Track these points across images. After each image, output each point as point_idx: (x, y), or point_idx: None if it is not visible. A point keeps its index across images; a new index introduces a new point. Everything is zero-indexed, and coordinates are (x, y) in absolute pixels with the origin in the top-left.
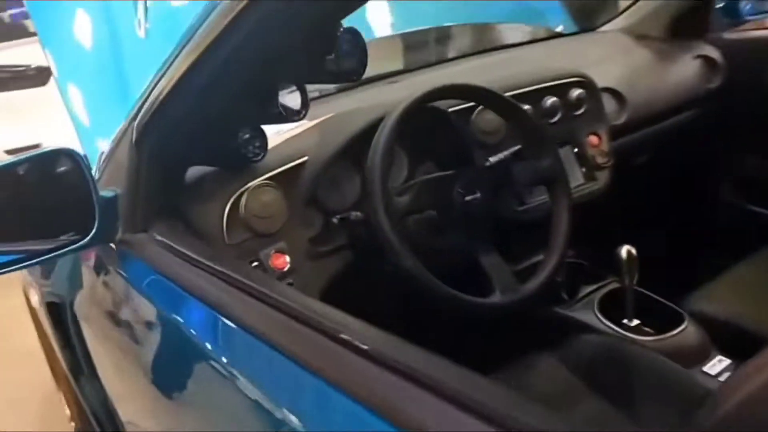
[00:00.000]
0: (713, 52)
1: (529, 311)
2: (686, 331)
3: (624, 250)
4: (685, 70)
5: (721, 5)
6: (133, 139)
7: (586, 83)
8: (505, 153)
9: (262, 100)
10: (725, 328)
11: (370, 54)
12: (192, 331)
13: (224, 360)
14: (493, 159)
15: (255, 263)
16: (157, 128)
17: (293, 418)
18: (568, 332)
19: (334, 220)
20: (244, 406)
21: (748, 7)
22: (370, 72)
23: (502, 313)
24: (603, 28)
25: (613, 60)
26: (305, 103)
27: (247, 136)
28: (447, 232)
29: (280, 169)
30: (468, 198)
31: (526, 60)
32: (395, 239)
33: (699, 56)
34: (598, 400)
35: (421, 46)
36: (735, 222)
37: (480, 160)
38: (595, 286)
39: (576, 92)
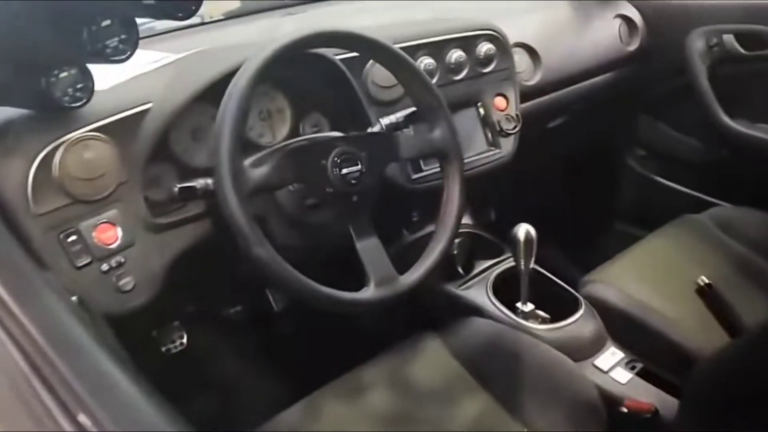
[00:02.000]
0: (633, 13)
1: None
2: (580, 321)
3: (521, 231)
4: (604, 29)
5: None
6: None
7: (496, 37)
8: (398, 115)
9: (74, 31)
10: (618, 316)
11: None
12: None
13: None
14: (384, 121)
15: (71, 237)
16: None
17: None
18: (458, 314)
19: (175, 190)
20: None
21: None
22: None
23: (374, 309)
24: None
25: (528, 12)
26: (132, 41)
27: (64, 74)
28: (318, 209)
29: (112, 118)
30: (344, 171)
31: (431, 5)
32: (244, 220)
33: (619, 15)
34: (481, 395)
35: None
36: (642, 193)
37: (373, 119)
38: (492, 261)
39: (485, 47)
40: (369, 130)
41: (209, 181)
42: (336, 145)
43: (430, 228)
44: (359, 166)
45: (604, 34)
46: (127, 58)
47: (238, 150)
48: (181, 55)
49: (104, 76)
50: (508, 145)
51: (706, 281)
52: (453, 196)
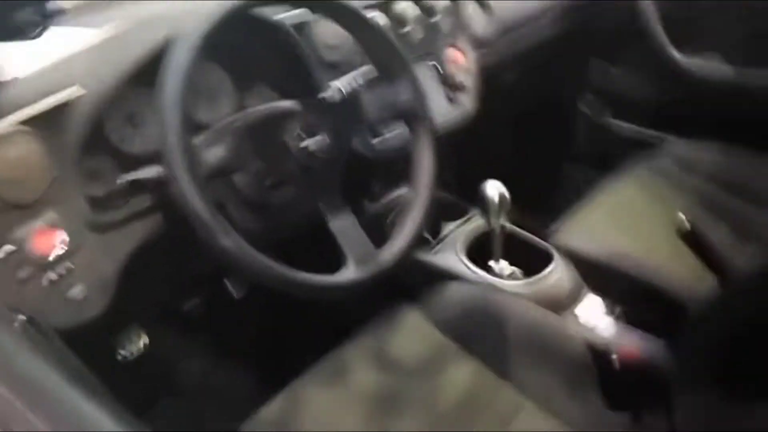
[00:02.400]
0: None
1: None
2: (554, 272)
3: (490, 187)
4: None
5: None
6: None
7: None
8: (355, 76)
9: None
10: (592, 264)
11: None
12: None
13: None
14: (339, 84)
15: (8, 248)
16: None
17: None
18: (431, 280)
19: (119, 182)
20: None
21: None
22: None
23: (356, 290)
24: None
25: None
26: (43, 12)
27: None
28: (279, 188)
29: (36, 109)
30: (308, 143)
31: None
32: (204, 209)
33: None
34: (468, 362)
35: None
36: (595, 136)
37: (323, 83)
38: (459, 222)
39: None
40: (324, 95)
41: (159, 169)
42: (294, 115)
43: (392, 195)
44: (323, 137)
45: None
46: (40, 33)
47: (187, 130)
48: (108, 34)
49: (23, 61)
50: (468, 101)
51: (687, 222)
52: (423, 159)
